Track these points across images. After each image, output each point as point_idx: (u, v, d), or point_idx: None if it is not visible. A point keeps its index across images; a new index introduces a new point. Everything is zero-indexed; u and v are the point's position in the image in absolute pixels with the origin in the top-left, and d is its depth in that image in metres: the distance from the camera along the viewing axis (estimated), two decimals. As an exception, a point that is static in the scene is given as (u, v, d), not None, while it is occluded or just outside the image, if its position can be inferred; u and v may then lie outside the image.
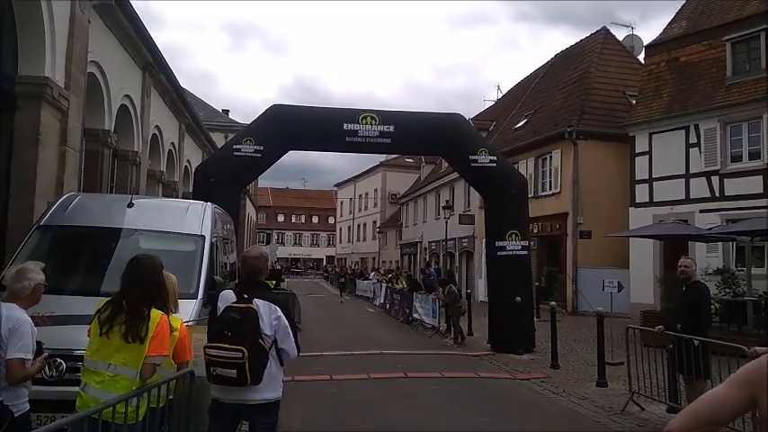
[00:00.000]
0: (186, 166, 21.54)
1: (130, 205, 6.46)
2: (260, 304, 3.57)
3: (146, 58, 13.58)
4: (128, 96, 12.85)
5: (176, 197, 17.40)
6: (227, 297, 3.68)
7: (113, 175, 12.94)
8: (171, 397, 4.17)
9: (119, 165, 13.22)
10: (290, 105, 13.06)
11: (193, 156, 22.82)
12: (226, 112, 38.19)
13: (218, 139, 27.61)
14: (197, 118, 21.41)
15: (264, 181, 56.89)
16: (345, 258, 61.62)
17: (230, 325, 3.48)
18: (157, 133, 16.33)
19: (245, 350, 3.39)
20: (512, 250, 12.22)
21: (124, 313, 3.52)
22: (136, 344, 3.49)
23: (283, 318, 3.61)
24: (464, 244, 30.07)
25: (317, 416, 6.88)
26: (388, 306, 21.71)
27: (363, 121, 12.10)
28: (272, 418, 3.64)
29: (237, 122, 33.94)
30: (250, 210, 41.83)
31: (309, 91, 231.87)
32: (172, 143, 18.63)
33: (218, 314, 3.63)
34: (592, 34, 27.47)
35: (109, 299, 3.68)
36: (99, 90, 11.20)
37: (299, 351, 3.72)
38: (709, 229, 14.32)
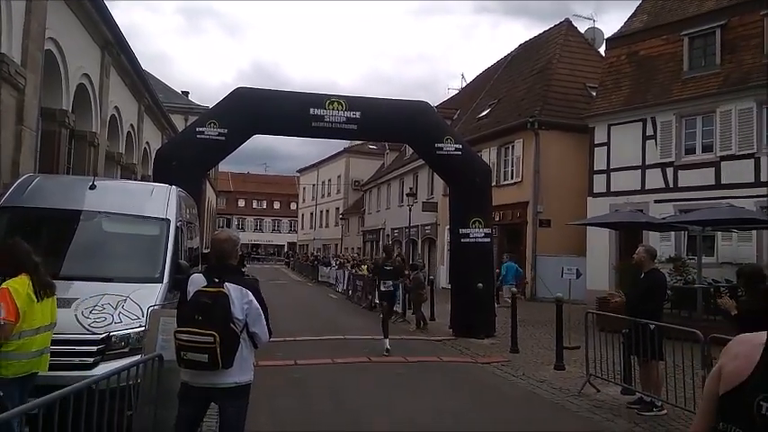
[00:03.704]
0: (145, 149, 21.04)
1: (92, 187, 6.33)
2: (231, 288, 3.57)
3: (105, 36, 13.16)
4: (86, 75, 12.45)
5: (135, 180, 17.00)
6: (198, 281, 3.66)
7: (70, 156, 12.55)
8: (139, 381, 4.16)
9: (76, 146, 12.83)
10: (256, 88, 12.89)
11: (153, 138, 22.29)
12: (185, 93, 37.30)
13: (178, 122, 27.06)
14: (157, 99, 20.89)
15: (225, 165, 55.79)
16: (307, 245, 61.36)
17: (201, 309, 3.46)
18: (116, 114, 15.88)
19: (216, 335, 3.38)
20: (475, 237, 12.42)
21: (32, 277, 4.01)
22: (51, 297, 4.20)
23: (255, 301, 3.61)
24: (427, 231, 30.34)
25: (283, 400, 6.90)
26: (350, 292, 21.79)
27: (330, 106, 12.05)
28: (243, 401, 3.66)
29: (198, 105, 33.25)
30: (210, 194, 41.15)
31: (269, 77, 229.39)
32: (131, 124, 18.16)
33: (188, 298, 3.60)
34: (554, 26, 27.88)
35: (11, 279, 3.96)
36: (56, 68, 10.82)
37: (270, 334, 3.73)
38: (663, 218, 14.84)
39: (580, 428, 6.26)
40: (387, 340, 10.16)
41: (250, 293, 3.60)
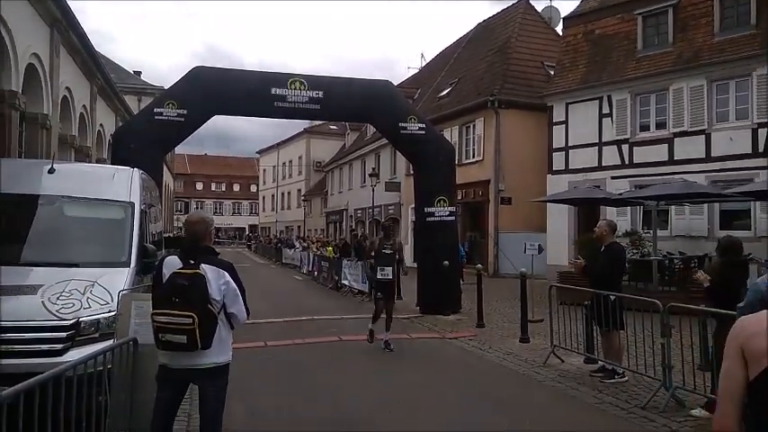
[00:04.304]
0: (99, 131, 20.39)
1: (52, 171, 6.12)
2: (207, 269, 3.55)
3: (53, 14, 12.60)
4: (35, 55, 11.92)
5: (89, 163, 16.47)
6: (173, 263, 3.62)
7: (22, 139, 12.06)
8: (110, 366, 4.10)
9: (28, 128, 12.32)
10: (215, 68, 12.62)
11: (106, 119, 21.60)
12: (138, 73, 36.18)
13: (131, 102, 26.26)
14: (109, 79, 20.17)
15: (181, 147, 54.44)
16: (269, 227, 60.82)
17: (178, 291, 3.43)
18: (68, 95, 15.29)
19: (195, 316, 3.37)
20: (440, 216, 12.57)
21: None
22: None
23: (231, 282, 3.60)
24: (390, 211, 30.45)
25: (255, 382, 6.90)
26: (315, 273, 21.77)
27: (292, 86, 11.91)
28: (223, 381, 3.66)
29: (151, 85, 32.34)
30: (167, 177, 40.17)
31: (223, 60, 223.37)
32: (83, 106, 17.52)
33: (164, 281, 3.56)
34: (512, 5, 28.06)
35: None
36: (4, 48, 10.32)
37: (248, 314, 3.74)
38: (620, 194, 15.28)
39: (547, 397, 6.48)
40: (388, 333, 8.78)
41: (227, 274, 3.59)
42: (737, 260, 5.90)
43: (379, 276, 8.85)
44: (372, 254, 9.20)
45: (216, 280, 3.55)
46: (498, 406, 6.16)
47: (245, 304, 3.69)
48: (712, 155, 15.66)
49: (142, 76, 35.71)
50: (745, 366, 1.69)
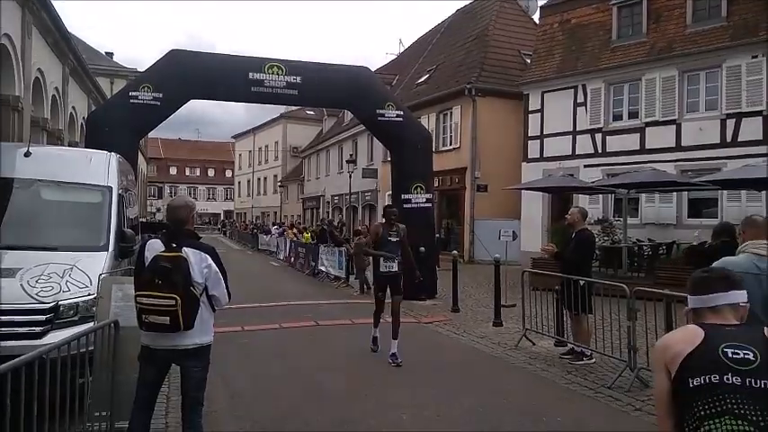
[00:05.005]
0: (72, 114, 20.02)
1: (28, 154, 6.09)
2: (190, 253, 3.62)
3: (25, -7, 12.37)
4: (7, 35, 11.68)
5: (62, 146, 16.20)
6: (155, 246, 3.68)
7: (-8, 121, 11.86)
8: (91, 348, 4.15)
9: (-1, 111, 12.13)
10: (191, 51, 12.50)
11: (79, 102, 21.21)
12: (110, 54, 35.38)
13: (104, 84, 25.80)
14: (82, 61, 19.79)
15: (154, 131, 53.74)
16: (245, 213, 60.43)
17: (161, 273, 3.50)
18: (40, 77, 14.99)
19: (177, 297, 3.45)
20: (417, 203, 12.71)
21: None
22: None
23: (213, 265, 3.69)
24: (367, 197, 30.54)
25: (234, 364, 6.99)
26: (292, 259, 21.80)
27: (270, 70, 11.87)
28: (204, 361, 3.75)
29: (124, 67, 31.68)
30: (140, 161, 39.52)
31: (201, 46, 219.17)
32: (56, 88, 17.19)
33: (147, 264, 3.62)
34: (490, -8, 28.10)
35: None
36: (-27, 27, 10.13)
37: (230, 297, 3.83)
38: (592, 182, 15.60)
39: (518, 378, 6.70)
40: (395, 342, 7.34)
41: (209, 257, 3.68)
42: (730, 243, 6.17)
43: (382, 269, 7.52)
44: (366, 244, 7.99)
45: (198, 263, 3.63)
46: (471, 387, 6.35)
47: (226, 287, 3.79)
48: (682, 144, 16.05)
49: (115, 59, 34.96)
50: (670, 376, 1.90)
